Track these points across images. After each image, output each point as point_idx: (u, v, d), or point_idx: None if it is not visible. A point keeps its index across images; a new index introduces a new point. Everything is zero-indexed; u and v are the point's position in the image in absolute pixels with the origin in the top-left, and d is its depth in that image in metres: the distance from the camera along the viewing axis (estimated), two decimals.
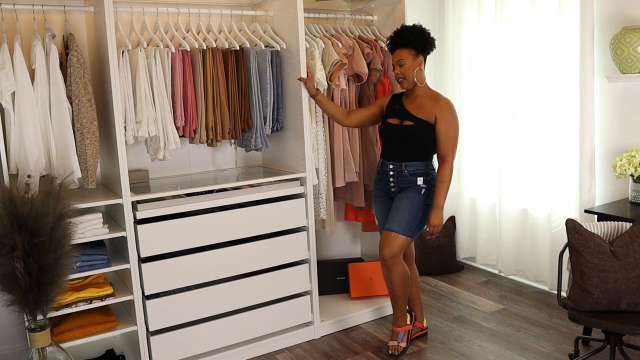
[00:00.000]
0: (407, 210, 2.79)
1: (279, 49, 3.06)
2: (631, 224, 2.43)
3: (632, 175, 3.00)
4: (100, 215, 2.59)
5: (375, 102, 3.05)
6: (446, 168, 2.76)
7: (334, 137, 3.26)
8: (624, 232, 2.42)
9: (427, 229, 2.80)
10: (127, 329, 2.70)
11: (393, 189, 2.92)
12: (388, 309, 3.45)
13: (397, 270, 2.82)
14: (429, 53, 2.82)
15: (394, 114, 2.88)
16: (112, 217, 2.86)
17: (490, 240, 4.08)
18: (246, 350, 2.97)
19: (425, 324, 3.15)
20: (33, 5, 2.62)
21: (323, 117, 3.21)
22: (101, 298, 2.61)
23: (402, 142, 2.83)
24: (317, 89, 3.00)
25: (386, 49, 2.98)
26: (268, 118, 3.06)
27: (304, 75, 2.97)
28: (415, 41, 2.75)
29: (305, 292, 3.14)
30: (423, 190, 2.83)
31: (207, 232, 2.80)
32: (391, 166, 2.88)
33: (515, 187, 3.78)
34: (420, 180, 2.83)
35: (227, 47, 2.95)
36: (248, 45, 3.07)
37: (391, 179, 2.89)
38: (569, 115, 3.41)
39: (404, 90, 2.91)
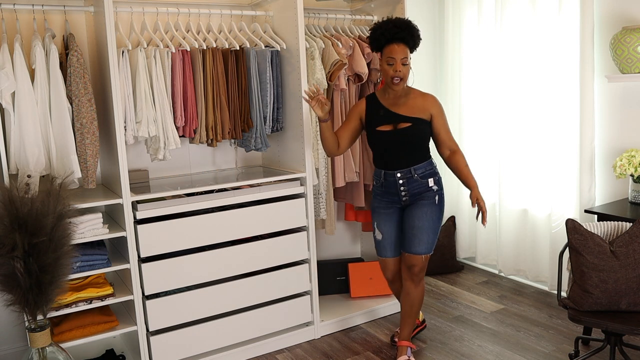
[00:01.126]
0: (430, 228, 2.71)
1: (279, 49, 3.06)
2: (631, 224, 2.43)
3: (632, 175, 3.00)
4: (100, 215, 2.59)
5: (350, 115, 2.79)
6: (460, 154, 2.71)
7: None
8: (624, 232, 2.42)
9: (478, 212, 2.62)
10: (127, 329, 2.70)
11: (405, 198, 2.75)
12: (388, 309, 3.45)
13: (422, 284, 2.81)
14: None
15: (382, 120, 2.70)
16: (112, 217, 2.86)
17: (490, 240, 4.08)
18: (246, 350, 2.97)
19: (421, 317, 3.16)
20: (33, 5, 2.62)
21: None
22: (101, 298, 2.61)
23: (402, 146, 2.68)
24: (329, 116, 2.71)
25: (380, 21, 2.69)
26: (268, 118, 3.06)
27: (304, 75, 2.96)
28: (415, 39, 2.64)
29: (305, 292, 3.14)
30: (437, 198, 2.73)
31: (207, 232, 2.80)
32: (399, 175, 2.71)
33: (515, 187, 3.78)
34: (431, 182, 2.72)
35: (227, 47, 2.95)
36: (248, 45, 3.07)
37: (402, 188, 2.72)
38: (569, 115, 3.41)
39: (373, 92, 2.74)
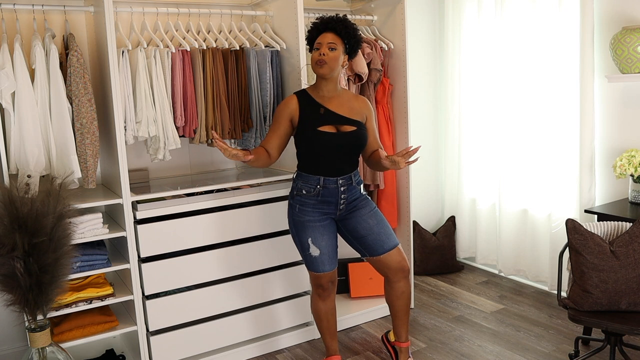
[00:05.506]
0: (385, 220, 2.60)
1: (279, 49, 3.06)
2: (631, 224, 2.44)
3: (632, 175, 3.00)
4: (100, 215, 2.59)
5: (280, 118, 2.54)
6: (382, 149, 2.60)
7: None
8: (624, 232, 2.42)
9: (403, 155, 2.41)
10: (127, 329, 2.70)
11: (342, 207, 2.56)
12: (388, 309, 3.45)
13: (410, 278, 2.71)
14: (350, 58, 2.56)
15: (323, 120, 2.48)
16: (112, 217, 2.86)
17: (490, 240, 4.08)
18: (246, 350, 2.97)
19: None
20: (33, 5, 2.62)
21: None
22: (101, 298, 2.61)
23: (347, 150, 2.50)
24: (249, 152, 2.46)
25: (314, 20, 2.56)
26: (268, 118, 3.07)
27: (304, 75, 2.97)
28: (352, 40, 2.48)
29: (305, 292, 3.14)
30: (369, 199, 2.62)
31: (207, 232, 2.80)
32: (341, 181, 2.52)
33: (515, 187, 3.78)
34: (362, 189, 2.62)
35: (227, 47, 2.95)
36: (248, 45, 3.07)
37: (342, 196, 2.53)
38: (569, 115, 3.41)
39: (304, 88, 2.60)
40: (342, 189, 2.53)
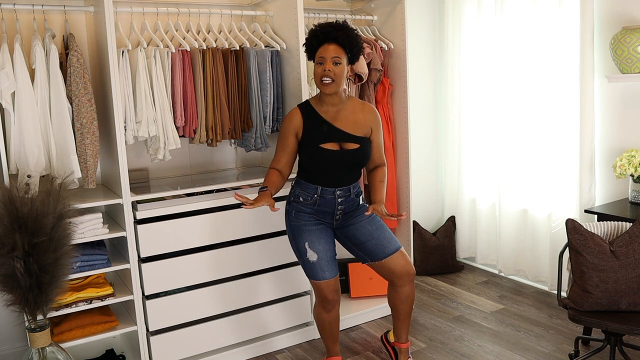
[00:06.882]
0: (385, 227, 2.58)
1: (279, 49, 3.06)
2: (631, 224, 2.44)
3: (632, 175, 3.00)
4: (100, 215, 2.59)
5: (286, 135, 2.49)
6: (385, 170, 2.59)
7: None
8: (624, 232, 2.42)
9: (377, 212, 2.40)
10: (127, 329, 2.70)
11: (338, 217, 2.55)
12: (388, 309, 3.45)
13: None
14: (352, 65, 2.49)
15: (326, 136, 2.44)
16: (112, 217, 2.86)
17: (490, 240, 4.08)
18: (246, 350, 2.97)
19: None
20: (33, 5, 2.62)
21: None
22: (101, 298, 2.61)
23: (349, 167, 2.48)
24: (268, 195, 2.36)
25: (312, 27, 2.46)
26: (268, 118, 3.07)
27: (304, 75, 2.96)
28: (351, 40, 2.39)
29: (305, 292, 3.14)
30: (366, 207, 2.60)
31: (207, 232, 2.80)
32: (339, 192, 2.50)
33: (515, 187, 3.78)
34: (360, 200, 2.59)
35: (227, 47, 2.95)
36: (248, 45, 3.07)
37: (339, 207, 2.52)
38: (569, 115, 3.41)
39: (308, 100, 2.54)
40: (339, 200, 2.51)
